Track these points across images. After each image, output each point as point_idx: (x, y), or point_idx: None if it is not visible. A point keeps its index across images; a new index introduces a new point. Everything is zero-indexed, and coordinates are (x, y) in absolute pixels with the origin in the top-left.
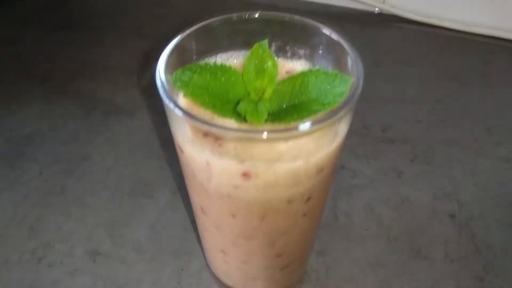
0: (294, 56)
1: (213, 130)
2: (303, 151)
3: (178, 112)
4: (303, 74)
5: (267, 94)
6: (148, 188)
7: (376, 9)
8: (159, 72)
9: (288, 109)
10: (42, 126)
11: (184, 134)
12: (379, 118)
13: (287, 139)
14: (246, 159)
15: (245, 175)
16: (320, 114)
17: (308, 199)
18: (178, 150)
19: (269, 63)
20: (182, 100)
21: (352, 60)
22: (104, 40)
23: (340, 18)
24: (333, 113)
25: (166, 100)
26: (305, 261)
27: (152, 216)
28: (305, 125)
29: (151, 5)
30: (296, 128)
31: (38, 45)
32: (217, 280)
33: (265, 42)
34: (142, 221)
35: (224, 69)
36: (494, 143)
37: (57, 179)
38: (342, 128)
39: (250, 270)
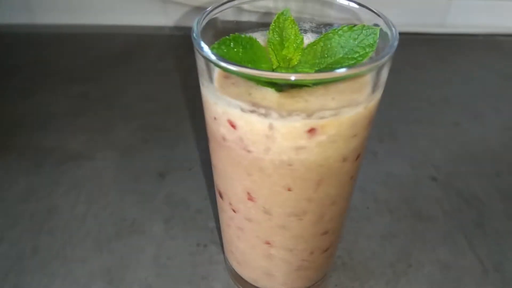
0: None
1: (275, 76)
2: (362, 97)
3: (235, 68)
4: (324, 37)
5: (295, 61)
6: (136, 224)
7: None
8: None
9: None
10: None
11: (239, 105)
12: None
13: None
14: (314, 112)
15: (311, 131)
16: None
17: (357, 156)
18: (225, 129)
19: (291, 31)
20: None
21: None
22: (41, 87)
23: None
24: (378, 57)
25: (223, 64)
26: (339, 242)
27: (151, 250)
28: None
29: (84, 48)
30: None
31: None
32: None
33: (287, 9)
34: (141, 259)
35: (251, 42)
36: (439, 113)
37: (25, 241)
38: (383, 76)
39: (295, 259)
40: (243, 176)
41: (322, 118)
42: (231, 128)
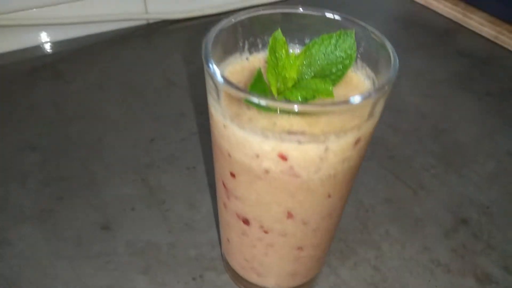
0: None
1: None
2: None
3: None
4: (307, 47)
5: (292, 79)
6: None
7: (144, 21)
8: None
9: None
10: None
11: (296, 139)
12: None
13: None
14: (363, 124)
15: (357, 141)
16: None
17: None
18: (272, 163)
19: (282, 51)
20: None
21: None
22: None
23: (114, 42)
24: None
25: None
26: None
27: None
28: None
29: None
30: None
31: None
32: None
33: (279, 31)
34: None
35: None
36: None
37: None
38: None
39: (320, 251)
40: (284, 200)
41: (367, 126)
42: (281, 161)
